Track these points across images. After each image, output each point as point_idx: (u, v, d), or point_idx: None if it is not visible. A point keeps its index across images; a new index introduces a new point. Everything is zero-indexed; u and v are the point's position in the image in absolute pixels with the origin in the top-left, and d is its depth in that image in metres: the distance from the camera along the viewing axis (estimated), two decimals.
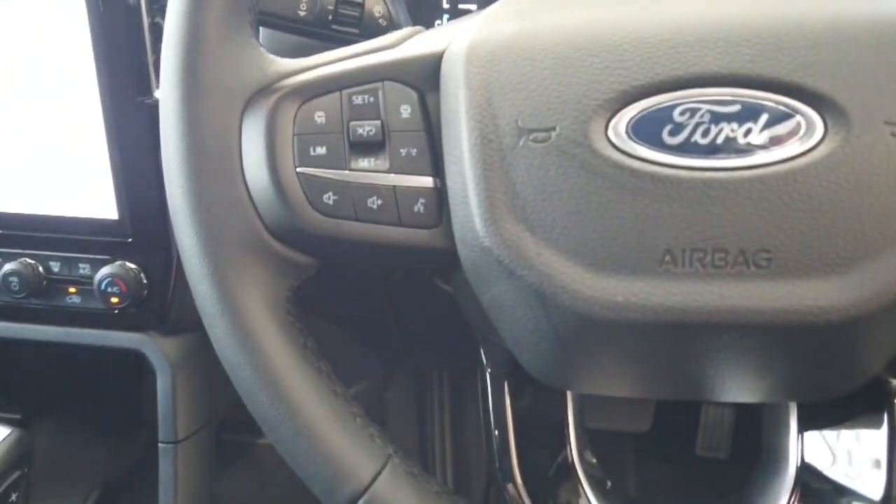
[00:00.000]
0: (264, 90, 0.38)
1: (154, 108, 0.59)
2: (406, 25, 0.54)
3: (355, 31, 0.50)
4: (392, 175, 0.37)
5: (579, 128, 0.33)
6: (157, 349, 0.69)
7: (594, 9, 0.36)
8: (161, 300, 0.67)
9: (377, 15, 0.51)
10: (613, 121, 0.34)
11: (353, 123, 0.37)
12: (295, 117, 0.37)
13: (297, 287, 0.40)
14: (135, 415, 0.84)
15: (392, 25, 0.52)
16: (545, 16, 0.36)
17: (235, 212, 0.37)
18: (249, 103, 0.38)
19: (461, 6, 0.70)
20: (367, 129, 0.37)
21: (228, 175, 0.37)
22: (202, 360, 0.72)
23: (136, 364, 0.73)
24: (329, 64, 0.39)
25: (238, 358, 0.38)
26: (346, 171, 0.37)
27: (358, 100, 0.38)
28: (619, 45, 0.34)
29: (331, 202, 0.37)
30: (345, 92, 0.38)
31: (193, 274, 0.38)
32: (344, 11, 0.49)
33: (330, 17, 0.50)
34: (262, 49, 0.39)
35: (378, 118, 0.37)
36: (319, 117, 0.37)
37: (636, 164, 0.33)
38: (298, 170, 0.37)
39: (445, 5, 0.70)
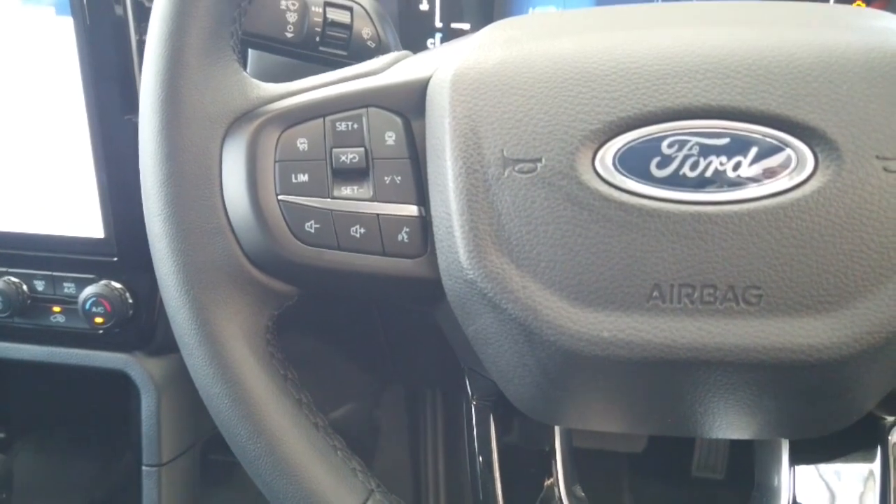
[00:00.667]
0: (246, 116, 0.37)
1: (135, 127, 0.59)
2: (395, 47, 0.54)
3: (343, 52, 0.50)
4: (376, 203, 0.37)
5: (566, 159, 0.33)
6: (142, 370, 0.68)
7: (583, 37, 0.35)
8: (146, 320, 0.66)
9: (366, 37, 0.50)
10: (601, 152, 0.33)
11: (336, 150, 0.37)
12: (277, 144, 0.37)
13: (277, 316, 0.39)
14: (120, 435, 0.82)
15: (381, 47, 0.51)
16: (533, 43, 0.35)
17: (215, 239, 0.36)
18: (231, 129, 0.37)
19: (454, 26, 0.70)
20: (350, 156, 0.37)
21: (208, 202, 0.36)
22: (188, 381, 0.71)
23: (123, 384, 0.71)
24: (313, 89, 0.38)
25: (216, 389, 0.37)
26: (329, 199, 0.37)
27: (341, 126, 0.37)
28: (608, 74, 0.33)
29: (313, 231, 0.36)
30: (328, 118, 0.37)
31: (171, 302, 0.37)
32: (332, 33, 0.49)
33: (317, 39, 0.49)
34: (244, 73, 0.38)
35: (362, 145, 0.37)
36: (302, 144, 0.37)
37: (624, 197, 0.32)
38: (280, 197, 0.36)
39: (438, 24, 0.70)
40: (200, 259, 0.36)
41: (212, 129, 0.36)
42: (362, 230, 0.36)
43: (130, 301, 0.65)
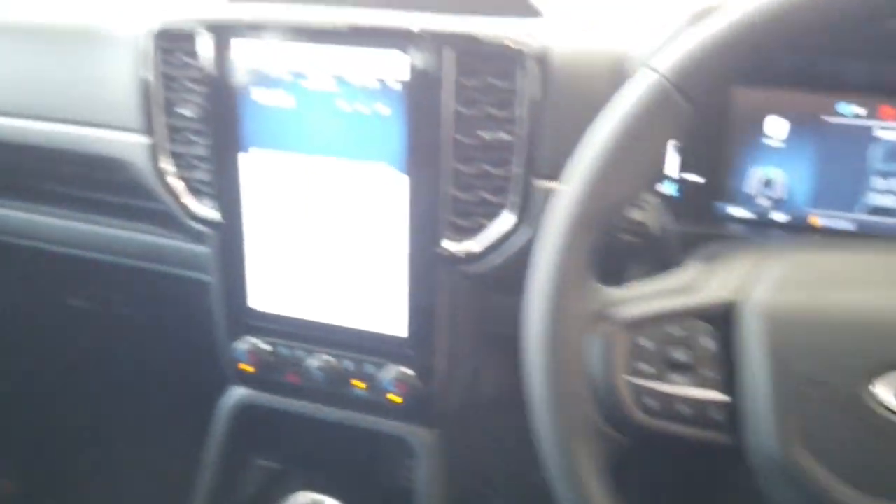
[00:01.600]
0: (600, 315, 0.53)
1: (440, 257, 0.77)
2: (673, 230, 0.69)
3: (640, 240, 0.66)
4: (697, 389, 0.52)
5: (850, 385, 0.47)
6: (420, 438, 0.87)
7: (862, 293, 0.49)
8: (427, 402, 0.84)
9: (653, 226, 0.66)
10: (878, 381, 0.47)
11: (668, 348, 0.52)
12: (626, 342, 0.52)
13: (615, 459, 0.55)
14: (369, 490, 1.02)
15: (664, 234, 0.67)
16: (825, 293, 0.49)
17: (580, 403, 0.53)
18: (591, 326, 0.53)
19: (686, 177, 0.84)
20: (679, 354, 0.52)
21: (576, 378, 0.53)
22: (446, 450, 0.89)
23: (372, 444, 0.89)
24: (646, 299, 0.54)
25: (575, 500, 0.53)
26: (663, 384, 0.52)
27: (672, 331, 0.52)
28: (880, 325, 0.47)
29: (651, 405, 0.52)
30: (663, 324, 0.53)
31: (547, 443, 0.53)
32: (631, 227, 0.65)
33: (620, 231, 0.65)
34: (594, 281, 0.55)
35: (687, 346, 0.52)
36: (644, 342, 0.53)
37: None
38: (627, 379, 0.52)
39: (674, 177, 0.84)
40: (570, 417, 0.53)
41: (579, 326, 0.53)
42: (686, 409, 0.52)
43: (419, 386, 0.84)
